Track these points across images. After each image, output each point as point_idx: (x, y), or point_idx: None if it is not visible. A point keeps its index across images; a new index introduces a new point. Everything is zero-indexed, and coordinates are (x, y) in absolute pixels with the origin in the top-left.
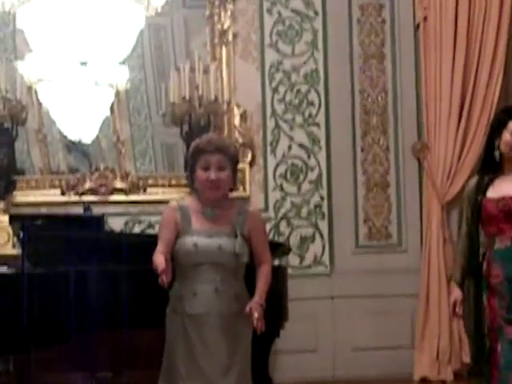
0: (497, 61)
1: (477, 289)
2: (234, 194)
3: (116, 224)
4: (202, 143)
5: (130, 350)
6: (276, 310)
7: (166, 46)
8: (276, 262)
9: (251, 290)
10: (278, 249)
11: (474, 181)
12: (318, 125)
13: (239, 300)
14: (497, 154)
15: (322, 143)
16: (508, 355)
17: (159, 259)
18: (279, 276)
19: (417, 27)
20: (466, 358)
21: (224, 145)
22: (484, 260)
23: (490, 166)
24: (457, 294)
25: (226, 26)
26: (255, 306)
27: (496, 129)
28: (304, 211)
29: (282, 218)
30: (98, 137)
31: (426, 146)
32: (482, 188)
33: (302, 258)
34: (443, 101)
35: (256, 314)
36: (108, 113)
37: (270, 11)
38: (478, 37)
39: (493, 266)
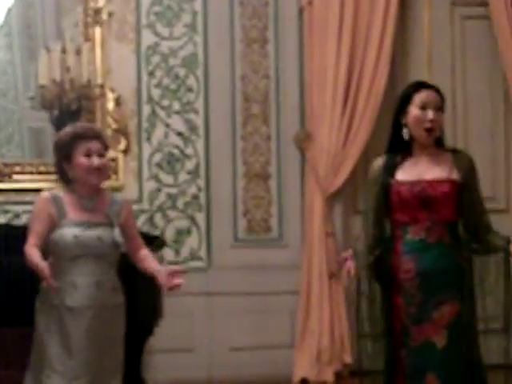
0: (383, 49)
1: (385, 287)
2: (106, 184)
3: None
4: (81, 129)
5: None
6: (150, 306)
7: (36, 25)
8: None
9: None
10: (153, 242)
11: (379, 162)
12: (196, 112)
13: (116, 292)
14: (405, 132)
15: (201, 131)
16: (415, 363)
17: (40, 262)
18: None
19: (301, 11)
20: (348, 359)
21: (101, 132)
22: (389, 253)
23: (396, 147)
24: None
25: (100, 5)
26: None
27: (401, 106)
28: (180, 203)
29: (156, 210)
30: None
31: (309, 136)
32: (390, 169)
33: (177, 252)
34: (327, 89)
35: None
36: None
37: None
38: (365, 23)
39: (403, 260)
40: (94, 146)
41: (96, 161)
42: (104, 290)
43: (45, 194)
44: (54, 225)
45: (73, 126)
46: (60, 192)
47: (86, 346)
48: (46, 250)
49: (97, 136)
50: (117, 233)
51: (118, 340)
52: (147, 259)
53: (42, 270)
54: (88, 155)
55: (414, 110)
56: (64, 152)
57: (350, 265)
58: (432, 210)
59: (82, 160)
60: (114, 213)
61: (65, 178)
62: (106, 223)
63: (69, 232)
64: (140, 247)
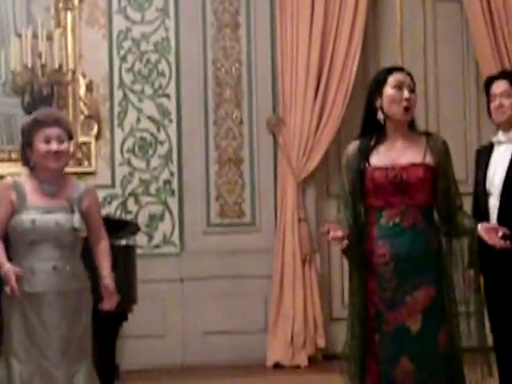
0: (355, 34)
1: (360, 272)
2: (80, 169)
3: None
4: (41, 116)
5: None
6: (124, 291)
7: (6, 10)
8: (123, 242)
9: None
10: (126, 227)
11: (354, 146)
12: (168, 96)
13: (77, 277)
14: (380, 115)
15: (173, 116)
16: (389, 348)
17: (4, 263)
18: (127, 256)
19: None
20: (321, 342)
21: (62, 118)
22: (364, 237)
23: (370, 131)
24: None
25: None
26: (112, 287)
27: (375, 89)
28: (153, 188)
29: (129, 195)
30: None
31: (282, 120)
32: (364, 154)
33: (150, 237)
34: (299, 73)
35: (116, 297)
36: None
37: None
38: (337, 7)
39: (377, 244)
40: (54, 132)
41: (54, 146)
42: (62, 275)
43: (7, 181)
44: (14, 211)
45: (36, 112)
46: (23, 178)
47: (48, 332)
48: (7, 236)
49: (57, 122)
50: (76, 218)
51: (83, 326)
52: (101, 257)
53: (6, 274)
54: (47, 141)
55: (389, 90)
56: (26, 138)
57: (335, 233)
58: (406, 195)
59: (40, 146)
60: (76, 198)
61: (28, 164)
62: (67, 208)
63: (27, 217)
64: (100, 240)
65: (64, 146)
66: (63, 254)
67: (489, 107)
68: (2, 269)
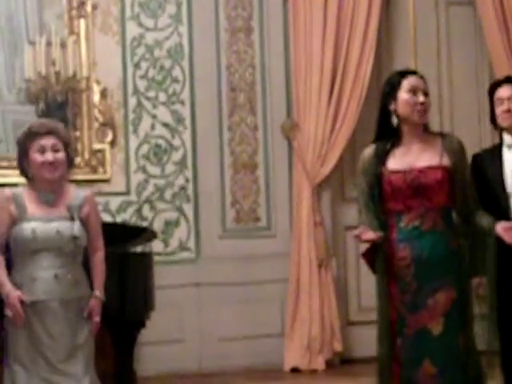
0: (368, 36)
1: (381, 276)
2: (94, 177)
3: None
4: (35, 127)
5: None
6: (142, 299)
7: (18, 18)
8: (140, 249)
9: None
10: (142, 234)
11: (370, 150)
12: (182, 102)
13: (79, 285)
14: (394, 119)
15: (187, 122)
16: (411, 351)
17: (8, 288)
18: (144, 263)
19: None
20: (338, 347)
21: (57, 127)
22: (384, 241)
23: (385, 134)
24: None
25: None
26: (96, 309)
27: (389, 93)
28: (168, 194)
29: (144, 202)
30: None
31: (296, 125)
32: (381, 158)
33: (166, 244)
34: (313, 77)
35: (97, 319)
36: None
37: None
38: (350, 10)
39: (398, 248)
40: (48, 141)
41: (49, 156)
42: (63, 283)
43: (6, 192)
44: (14, 222)
45: (31, 123)
46: (21, 188)
47: (52, 340)
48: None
49: (51, 131)
50: (77, 226)
51: (86, 333)
52: (95, 271)
53: (10, 300)
54: (42, 151)
55: (404, 95)
56: (21, 150)
57: (366, 235)
58: (425, 197)
59: (35, 156)
60: (76, 206)
61: (26, 175)
62: (67, 217)
63: (27, 227)
64: (96, 250)
65: (60, 156)
66: (64, 262)
67: (492, 112)
68: (3, 290)
